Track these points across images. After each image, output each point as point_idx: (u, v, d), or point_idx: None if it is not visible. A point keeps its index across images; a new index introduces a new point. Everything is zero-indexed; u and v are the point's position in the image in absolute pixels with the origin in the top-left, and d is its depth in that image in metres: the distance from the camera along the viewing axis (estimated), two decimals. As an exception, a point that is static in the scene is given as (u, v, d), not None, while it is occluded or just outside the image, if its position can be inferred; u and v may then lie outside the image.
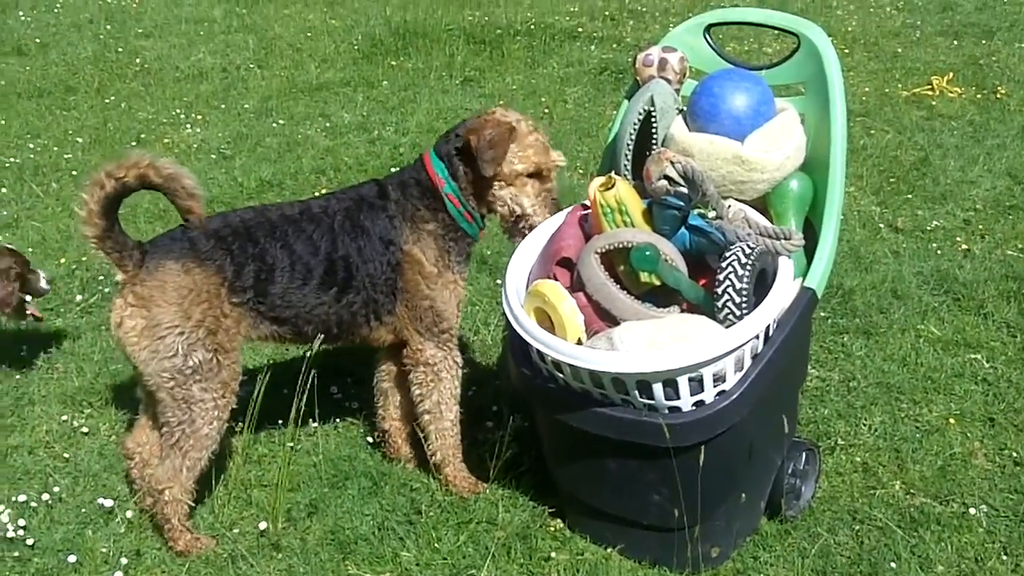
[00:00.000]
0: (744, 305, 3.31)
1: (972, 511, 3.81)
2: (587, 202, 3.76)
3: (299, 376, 4.07)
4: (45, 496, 4.04)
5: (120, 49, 10.38)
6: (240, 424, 4.06)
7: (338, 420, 4.50)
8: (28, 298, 4.90)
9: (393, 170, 6.90)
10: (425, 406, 3.97)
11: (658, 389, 3.23)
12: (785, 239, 3.42)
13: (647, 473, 3.43)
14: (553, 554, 3.69)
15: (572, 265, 3.61)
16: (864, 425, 4.32)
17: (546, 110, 8.34)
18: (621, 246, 3.46)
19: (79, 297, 5.57)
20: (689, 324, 3.34)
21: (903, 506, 3.88)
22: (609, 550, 3.68)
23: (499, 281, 5.34)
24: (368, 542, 3.80)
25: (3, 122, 8.49)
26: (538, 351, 3.41)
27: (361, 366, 4.70)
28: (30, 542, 3.81)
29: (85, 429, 4.51)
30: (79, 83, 9.43)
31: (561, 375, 3.41)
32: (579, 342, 3.39)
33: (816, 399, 4.50)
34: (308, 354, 3.84)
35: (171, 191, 3.49)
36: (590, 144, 7.51)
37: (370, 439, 4.32)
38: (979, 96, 8.24)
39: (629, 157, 3.85)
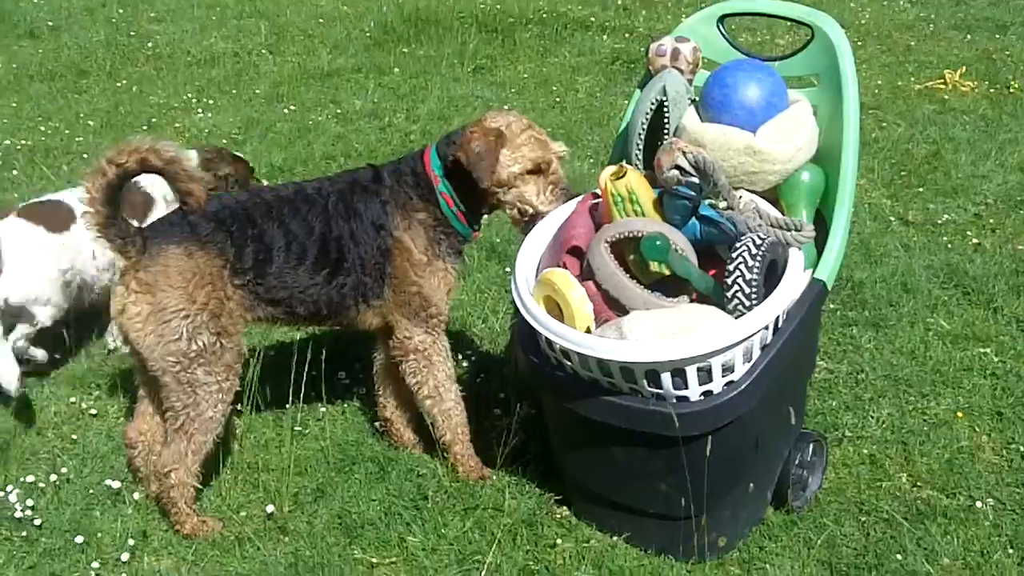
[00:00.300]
0: (754, 296, 3.31)
1: (979, 504, 3.81)
2: (598, 191, 3.76)
3: (306, 361, 4.09)
4: (53, 477, 4.06)
5: (132, 33, 10.39)
6: (248, 408, 4.07)
7: (345, 405, 4.51)
8: None
9: (403, 158, 6.96)
10: (424, 392, 3.98)
11: (666, 378, 3.23)
12: (796, 230, 3.42)
13: (654, 462, 3.43)
14: (559, 541, 3.70)
15: (582, 254, 3.61)
16: (872, 417, 4.32)
17: (557, 99, 8.33)
18: (631, 235, 3.46)
19: (89, 279, 5.58)
20: (698, 314, 3.34)
21: (910, 498, 3.87)
22: (615, 538, 3.69)
23: (508, 269, 5.34)
24: (374, 527, 3.81)
25: (15, 104, 8.51)
26: (547, 339, 3.41)
27: (369, 352, 4.71)
28: (38, 522, 3.83)
29: (93, 411, 4.53)
30: (91, 66, 9.44)
31: (569, 363, 3.41)
32: (588, 331, 3.39)
33: (824, 391, 4.50)
34: (320, 340, 3.85)
35: (172, 175, 3.49)
36: (601, 133, 7.51)
37: (377, 424, 4.33)
38: (992, 91, 8.22)
39: (641, 146, 3.85)
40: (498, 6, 10.57)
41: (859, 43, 9.40)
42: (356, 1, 11.33)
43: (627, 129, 4.01)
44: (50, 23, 10.72)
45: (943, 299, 5.19)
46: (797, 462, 3.77)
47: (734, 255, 3.33)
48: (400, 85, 8.81)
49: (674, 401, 3.28)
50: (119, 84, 8.99)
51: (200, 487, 3.81)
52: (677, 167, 3.46)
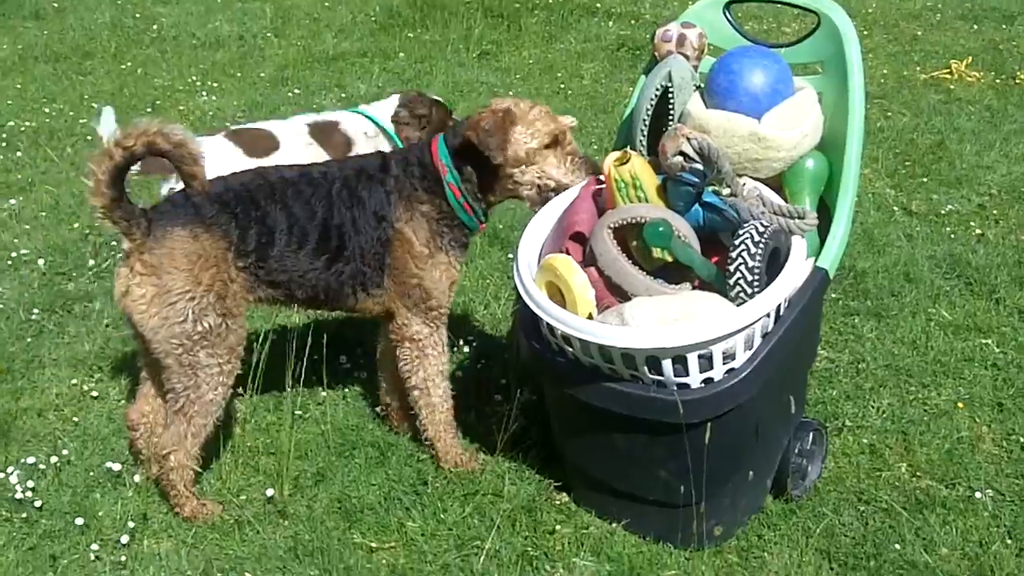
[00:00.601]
0: (756, 283, 3.30)
1: (978, 495, 3.81)
2: (602, 176, 3.75)
3: (307, 345, 4.09)
4: (53, 459, 4.06)
5: (137, 15, 10.37)
6: (249, 391, 4.07)
7: (346, 390, 4.51)
8: None
9: (406, 143, 6.94)
10: (413, 382, 3.97)
11: (667, 365, 3.23)
12: (799, 218, 3.42)
13: (654, 449, 3.43)
14: (558, 527, 3.71)
15: (585, 240, 3.61)
16: (872, 407, 4.32)
17: (562, 85, 8.31)
18: (634, 221, 3.46)
19: (91, 262, 5.59)
20: (700, 301, 3.33)
21: (909, 488, 3.87)
22: (614, 524, 3.69)
23: (510, 255, 5.33)
24: (374, 511, 3.81)
25: (20, 86, 8.51)
26: (548, 325, 3.41)
27: (371, 336, 4.72)
28: (38, 504, 3.83)
29: (95, 393, 4.53)
30: (96, 48, 9.43)
31: (571, 349, 3.41)
32: (590, 317, 3.39)
33: (825, 380, 4.49)
34: (322, 324, 3.84)
35: (178, 157, 3.48)
36: (605, 120, 7.50)
37: (378, 409, 4.33)
38: (997, 81, 8.20)
39: (645, 132, 3.84)
40: (504, -9, 10.56)
41: (865, 32, 9.37)
42: (362, -15, 11.31)
43: (632, 114, 4.00)
44: (55, 4, 10.70)
45: (945, 289, 5.18)
46: (797, 451, 3.77)
47: (737, 242, 3.33)
48: (405, 70, 8.80)
49: (675, 388, 3.28)
50: (124, 66, 8.98)
51: (200, 470, 3.81)
52: (681, 153, 3.45)
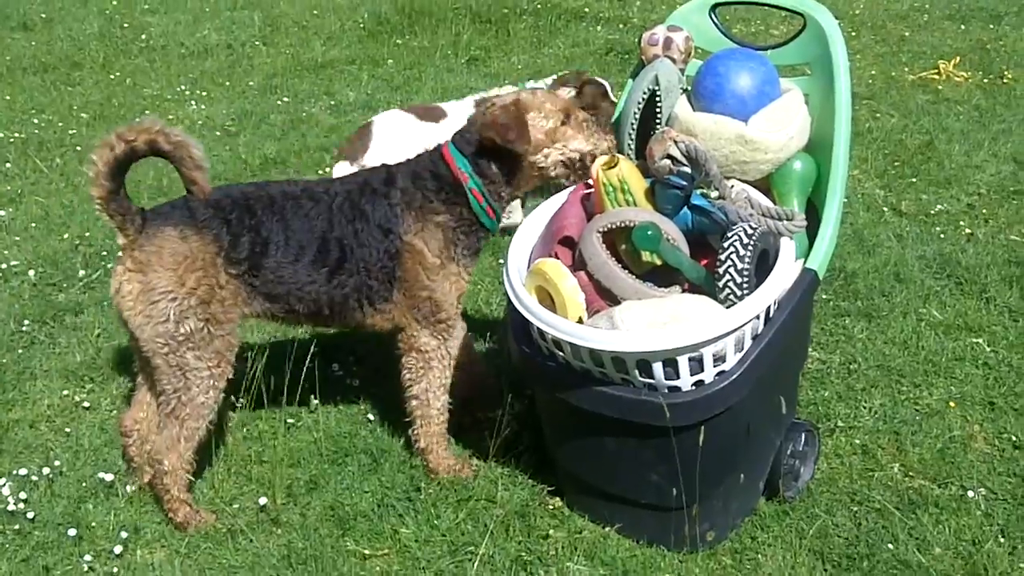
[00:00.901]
0: (745, 285, 3.31)
1: (970, 494, 3.81)
2: (590, 181, 3.75)
3: (302, 354, 4.08)
4: (46, 470, 4.05)
5: (126, 25, 10.37)
6: (241, 399, 4.06)
7: (339, 397, 4.50)
8: None
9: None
10: (413, 391, 3.96)
11: (658, 368, 3.23)
12: (787, 220, 3.42)
13: (646, 452, 3.43)
14: (551, 532, 3.71)
15: (574, 244, 3.61)
16: (864, 407, 4.32)
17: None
18: (623, 225, 3.46)
19: (81, 272, 5.58)
20: (690, 304, 3.34)
21: (901, 488, 3.88)
22: (607, 528, 3.69)
23: (501, 260, 5.34)
24: (367, 518, 3.81)
25: (8, 97, 8.50)
26: (539, 329, 3.41)
27: (362, 344, 4.72)
28: (30, 515, 3.82)
29: (86, 404, 4.52)
30: (84, 58, 9.43)
31: (561, 354, 3.41)
32: (580, 321, 3.39)
33: (817, 381, 4.50)
34: (313, 333, 3.84)
35: (178, 159, 3.50)
36: (594, 125, 7.49)
37: (371, 416, 4.33)
38: (985, 81, 8.22)
39: (633, 136, 3.85)
40: (492, -4, 10.57)
41: (853, 33, 9.39)
42: (350, -8, 11.33)
43: (620, 118, 4.01)
44: (43, 15, 10.71)
45: (936, 289, 5.19)
46: (789, 452, 3.77)
47: (726, 245, 3.33)
48: (394, 76, 8.80)
49: (666, 391, 3.28)
50: (112, 76, 8.97)
51: (193, 479, 3.81)
52: (669, 156, 3.46)
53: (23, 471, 4.05)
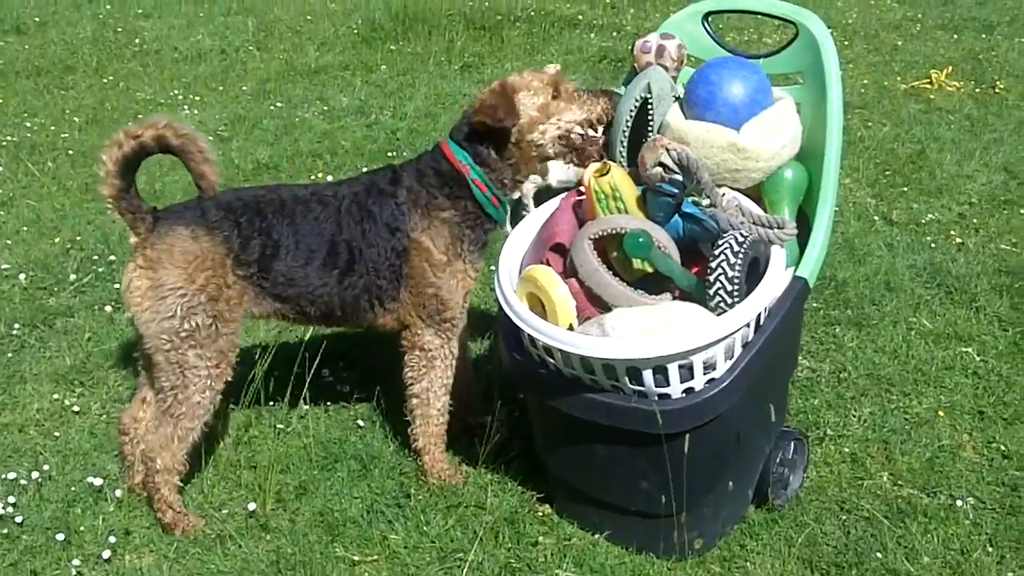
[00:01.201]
0: (736, 293, 3.31)
1: (959, 503, 3.82)
2: (582, 188, 3.76)
3: (292, 359, 4.08)
4: (35, 474, 4.04)
5: (119, 29, 10.36)
6: (233, 405, 4.06)
7: (329, 403, 4.50)
8: None
9: (390, 155, 6.97)
10: (414, 390, 3.97)
11: (648, 376, 3.23)
12: (778, 228, 3.43)
13: (635, 459, 3.43)
14: (541, 539, 3.70)
15: (565, 251, 3.62)
16: (853, 416, 4.33)
17: (544, 97, 8.31)
18: (614, 232, 3.47)
19: (72, 276, 5.57)
20: (680, 311, 3.34)
21: (890, 497, 3.88)
22: (596, 536, 3.69)
23: (492, 266, 5.33)
24: (357, 524, 3.80)
25: (1, 101, 8.48)
26: (529, 336, 3.41)
27: (353, 349, 4.72)
28: (19, 520, 3.81)
29: (76, 408, 4.51)
30: (78, 62, 9.42)
31: (552, 360, 3.41)
32: (571, 328, 3.39)
33: (806, 389, 4.50)
34: (304, 337, 3.84)
35: (187, 154, 3.53)
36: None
37: (360, 422, 4.32)
38: (977, 90, 8.25)
39: (625, 144, 3.85)
40: (486, 3, 10.59)
41: (846, 42, 9.42)
42: (344, -2, 11.33)
43: (611, 126, 4.00)
44: (37, 18, 10.69)
45: (926, 298, 5.20)
46: (778, 460, 3.77)
47: (716, 252, 3.34)
48: (387, 82, 8.80)
49: (656, 398, 3.28)
50: (105, 80, 8.97)
51: (182, 484, 3.80)
52: (660, 164, 3.47)
53: (11, 475, 4.03)
